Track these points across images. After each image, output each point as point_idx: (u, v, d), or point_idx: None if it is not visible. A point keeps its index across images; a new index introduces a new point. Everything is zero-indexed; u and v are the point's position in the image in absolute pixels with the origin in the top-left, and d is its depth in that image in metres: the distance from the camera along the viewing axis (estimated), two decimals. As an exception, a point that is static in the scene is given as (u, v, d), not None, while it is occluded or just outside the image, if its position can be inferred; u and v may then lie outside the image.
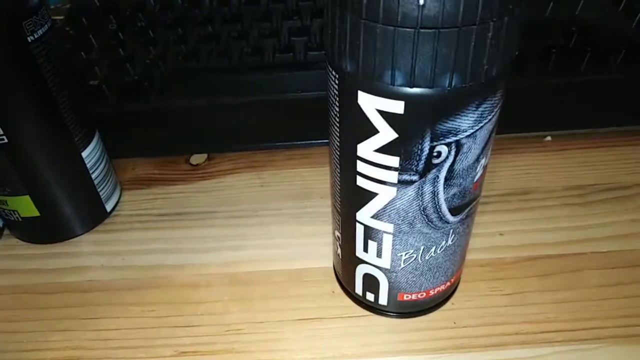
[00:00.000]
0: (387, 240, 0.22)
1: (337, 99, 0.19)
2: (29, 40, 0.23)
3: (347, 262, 0.24)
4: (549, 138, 0.36)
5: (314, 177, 0.33)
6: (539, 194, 0.32)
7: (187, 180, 0.33)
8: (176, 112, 0.35)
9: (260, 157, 0.35)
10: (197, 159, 0.35)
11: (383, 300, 0.24)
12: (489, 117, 0.18)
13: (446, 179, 0.19)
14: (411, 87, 0.17)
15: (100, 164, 0.29)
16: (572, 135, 0.36)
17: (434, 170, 0.19)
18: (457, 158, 0.19)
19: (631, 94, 0.36)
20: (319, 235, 0.29)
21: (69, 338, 0.25)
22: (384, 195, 0.20)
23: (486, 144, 0.19)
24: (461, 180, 0.20)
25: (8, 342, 0.25)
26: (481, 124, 0.18)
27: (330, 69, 0.19)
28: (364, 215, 0.21)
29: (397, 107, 0.17)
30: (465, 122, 0.18)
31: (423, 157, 0.18)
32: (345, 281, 0.26)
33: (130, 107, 0.35)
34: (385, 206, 0.20)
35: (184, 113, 0.35)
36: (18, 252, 0.30)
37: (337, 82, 0.19)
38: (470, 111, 0.18)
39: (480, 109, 0.18)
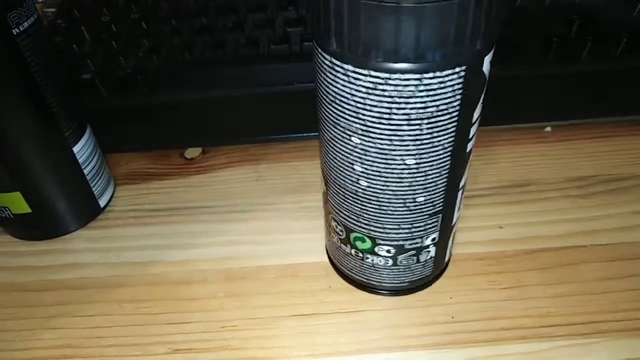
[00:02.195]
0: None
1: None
2: (14, 33, 0.23)
3: (439, 245, 0.24)
4: (548, 129, 0.35)
5: (310, 171, 0.33)
6: (539, 185, 0.31)
7: (182, 175, 0.33)
8: (170, 105, 0.35)
9: (256, 150, 0.34)
10: (192, 152, 0.34)
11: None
12: None
13: None
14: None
15: (93, 158, 0.29)
16: (573, 125, 0.35)
17: None
18: None
19: (633, 83, 0.35)
20: (315, 230, 0.29)
21: (62, 336, 0.25)
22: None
23: None
24: None
25: (0, 340, 0.25)
26: None
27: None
28: (463, 171, 0.21)
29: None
30: None
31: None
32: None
33: (123, 100, 0.35)
34: (472, 136, 0.20)
35: (178, 106, 0.35)
36: (10, 249, 0.29)
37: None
38: None
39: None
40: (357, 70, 0.17)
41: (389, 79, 0.17)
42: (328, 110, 0.20)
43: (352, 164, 0.20)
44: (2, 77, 0.23)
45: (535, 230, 0.29)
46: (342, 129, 0.19)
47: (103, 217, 0.30)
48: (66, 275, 0.28)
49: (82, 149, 0.28)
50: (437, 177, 0.20)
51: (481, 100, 0.19)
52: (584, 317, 0.24)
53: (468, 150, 0.21)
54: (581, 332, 0.24)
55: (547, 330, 0.24)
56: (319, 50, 0.18)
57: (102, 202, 0.30)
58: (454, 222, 0.24)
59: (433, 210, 0.22)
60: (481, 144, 0.34)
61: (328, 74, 0.18)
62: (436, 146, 0.19)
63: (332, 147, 0.21)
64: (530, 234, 0.28)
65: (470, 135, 0.20)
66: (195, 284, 0.27)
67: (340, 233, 0.24)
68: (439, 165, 0.20)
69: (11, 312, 0.26)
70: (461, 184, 0.22)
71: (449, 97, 0.18)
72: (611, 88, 0.35)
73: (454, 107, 0.18)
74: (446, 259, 0.25)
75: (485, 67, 0.18)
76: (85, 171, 0.28)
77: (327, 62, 0.18)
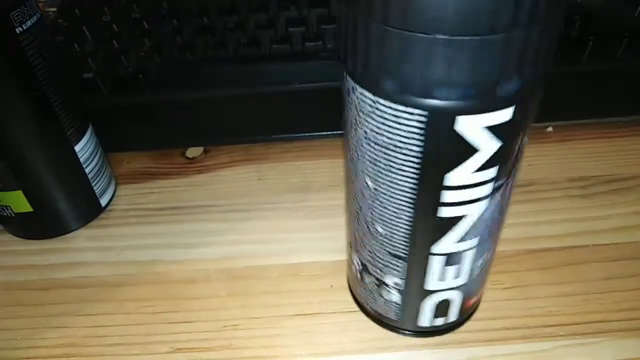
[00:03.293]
0: (469, 256, 0.20)
1: (416, 133, 0.16)
2: (18, 32, 0.23)
3: (408, 298, 0.22)
4: (550, 129, 0.35)
5: (313, 170, 0.33)
6: (540, 185, 0.31)
7: (183, 174, 0.33)
8: (172, 104, 0.35)
9: (258, 150, 0.34)
10: (193, 152, 0.34)
11: (453, 316, 0.23)
12: None
13: None
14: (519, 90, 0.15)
15: (94, 157, 0.29)
16: (575, 125, 0.35)
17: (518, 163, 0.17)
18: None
19: (635, 83, 0.35)
20: (317, 229, 0.29)
21: (64, 335, 0.25)
22: (475, 212, 0.18)
23: None
24: None
25: (1, 339, 0.25)
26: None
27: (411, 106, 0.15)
28: (446, 244, 0.19)
29: (504, 115, 0.15)
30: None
31: (515, 154, 0.17)
32: (396, 316, 0.23)
33: (125, 100, 0.35)
34: (475, 223, 0.18)
35: (179, 106, 0.35)
36: (11, 248, 0.29)
37: (422, 118, 0.15)
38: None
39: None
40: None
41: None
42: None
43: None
44: (5, 76, 0.23)
45: (537, 230, 0.29)
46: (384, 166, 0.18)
47: (104, 216, 0.30)
48: (68, 274, 0.28)
49: (83, 147, 0.28)
50: (395, 216, 0.18)
51: (473, 169, 0.16)
52: (586, 317, 0.24)
53: (443, 215, 0.18)
54: (584, 332, 0.24)
55: (549, 330, 0.24)
56: (364, 91, 0.16)
57: (103, 201, 0.30)
58: (430, 288, 0.21)
59: (392, 251, 0.20)
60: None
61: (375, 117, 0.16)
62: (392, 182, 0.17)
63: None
64: (532, 234, 0.28)
65: (445, 200, 0.17)
66: (198, 283, 0.27)
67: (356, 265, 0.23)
68: (396, 206, 0.18)
69: (12, 311, 0.26)
70: (437, 251, 0.19)
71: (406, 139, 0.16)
72: (613, 88, 0.35)
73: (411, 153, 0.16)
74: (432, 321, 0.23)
75: (463, 128, 0.15)
76: (87, 170, 0.28)
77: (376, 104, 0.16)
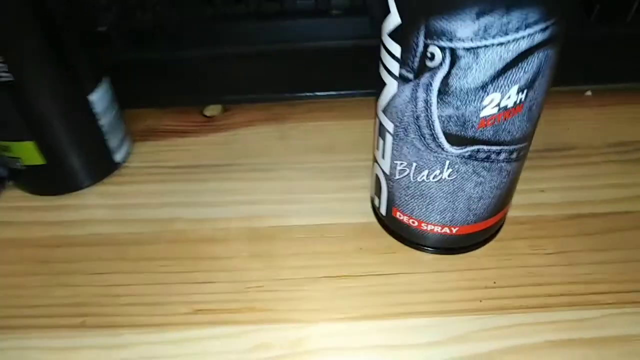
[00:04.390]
0: (389, 142, 0.21)
1: None
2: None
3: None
4: (589, 93, 0.33)
5: (338, 130, 0.31)
6: (580, 149, 0.30)
7: (202, 132, 0.31)
8: (190, 61, 0.33)
9: (279, 109, 0.32)
10: (212, 110, 0.33)
11: (383, 209, 0.24)
12: (499, 38, 0.16)
13: (440, 92, 0.18)
14: None
15: (109, 110, 0.27)
16: (614, 90, 0.33)
17: (427, 75, 0.18)
18: (453, 71, 0.17)
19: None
20: (343, 191, 0.27)
21: (75, 293, 0.23)
22: (389, 87, 0.20)
23: (498, 75, 0.17)
24: (458, 103, 0.18)
25: (12, 296, 0.23)
26: (484, 42, 0.16)
27: None
28: (379, 107, 0.21)
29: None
30: (461, 29, 0.16)
31: (418, 54, 0.17)
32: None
33: (141, 55, 0.33)
34: (389, 101, 0.20)
35: (198, 62, 0.33)
36: (21, 203, 0.28)
37: None
38: (467, 17, 0.16)
39: (482, 21, 0.16)
40: None
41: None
42: None
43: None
44: (24, 20, 0.22)
45: (579, 195, 0.27)
46: None
47: (119, 173, 0.29)
48: (79, 231, 0.26)
49: (98, 99, 0.26)
50: None
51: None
52: (634, 285, 0.23)
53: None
54: (632, 300, 0.22)
55: (595, 297, 0.22)
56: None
57: (117, 158, 0.29)
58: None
59: None
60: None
61: None
62: None
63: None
64: (573, 199, 0.27)
65: None
66: (218, 243, 0.25)
67: None
68: None
69: (21, 269, 0.25)
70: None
71: None
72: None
73: None
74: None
75: None
76: (101, 123, 0.27)
77: None
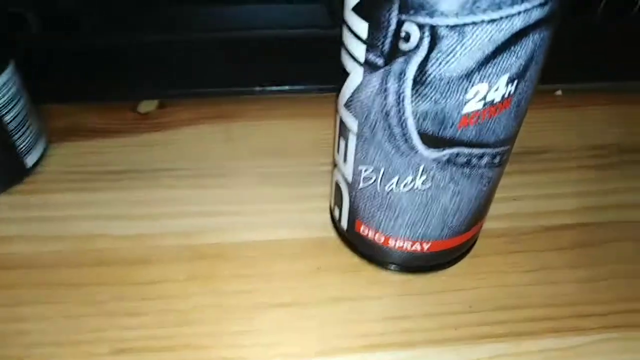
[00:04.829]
0: (352, 143, 0.18)
1: None
2: None
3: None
4: (559, 92, 0.31)
5: (292, 130, 0.27)
6: (553, 153, 0.27)
7: (134, 132, 0.27)
8: (120, 49, 0.29)
9: (225, 105, 0.29)
10: (147, 106, 0.28)
11: (344, 221, 0.21)
12: (489, 14, 0.13)
13: (416, 82, 0.15)
14: None
15: (16, 103, 0.23)
16: (585, 90, 0.31)
17: (400, 60, 0.15)
18: (433, 55, 0.14)
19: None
20: (299, 200, 0.24)
21: (-29, 331, 0.19)
22: (354, 76, 0.16)
23: (486, 61, 0.14)
24: (437, 96, 0.15)
25: None
26: (473, 18, 0.13)
27: None
28: (341, 100, 0.18)
29: None
30: (445, 2, 0.13)
31: (390, 33, 0.14)
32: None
33: (64, 42, 0.28)
34: (353, 94, 0.17)
35: (130, 51, 0.29)
36: None
37: None
38: None
39: None
40: None
41: None
42: None
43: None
44: None
45: (554, 204, 0.25)
46: None
47: (30, 180, 0.24)
48: (-19, 252, 0.22)
49: (1, 88, 0.22)
50: None
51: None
52: (617, 306, 0.21)
53: None
54: (617, 324, 0.20)
55: (579, 322, 0.20)
56: None
57: (29, 161, 0.24)
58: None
59: None
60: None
61: None
62: None
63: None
64: (549, 208, 0.24)
65: None
66: (150, 264, 0.21)
67: None
68: None
69: None
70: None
71: None
72: (630, 48, 0.31)
73: None
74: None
75: None
76: (6, 119, 0.22)
77: None
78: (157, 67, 0.28)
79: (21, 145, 0.23)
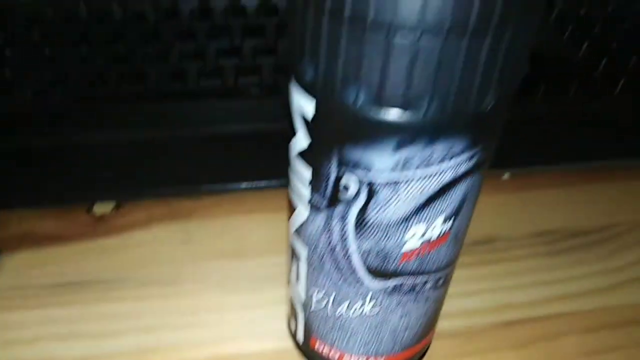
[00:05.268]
0: (303, 267, 0.19)
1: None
2: None
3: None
4: (506, 176, 0.33)
5: (251, 227, 0.28)
6: (504, 241, 0.28)
7: (89, 237, 0.27)
8: (75, 148, 0.29)
9: (182, 204, 0.29)
10: (102, 208, 0.28)
11: (300, 335, 0.21)
12: (421, 171, 0.14)
13: (358, 225, 0.15)
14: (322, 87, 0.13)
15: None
16: (531, 173, 0.33)
17: (340, 207, 0.15)
18: (370, 203, 0.15)
19: (589, 127, 0.33)
20: (257, 306, 0.24)
21: None
22: (300, 211, 0.17)
23: (421, 208, 0.15)
24: (379, 237, 0.16)
25: None
26: (406, 175, 0.14)
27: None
28: (291, 227, 0.18)
29: (309, 108, 0.14)
30: (379, 161, 0.14)
31: (330, 183, 0.15)
32: None
33: (14, 142, 0.28)
34: (301, 225, 0.17)
35: (85, 150, 0.29)
36: None
37: None
38: (385, 149, 0.13)
39: (401, 153, 0.13)
40: None
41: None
42: None
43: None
44: None
45: (506, 297, 0.25)
46: None
47: (-20, 297, 0.24)
48: None
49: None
50: None
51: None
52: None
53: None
54: None
55: None
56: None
57: (-21, 278, 0.23)
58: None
59: None
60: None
61: None
62: None
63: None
64: (501, 302, 0.25)
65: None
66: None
67: None
68: None
69: None
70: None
71: None
72: (569, 132, 0.33)
73: None
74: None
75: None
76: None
77: None
78: (114, 166, 0.28)
79: (-31, 264, 0.23)
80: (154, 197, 0.29)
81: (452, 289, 0.25)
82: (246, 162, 0.29)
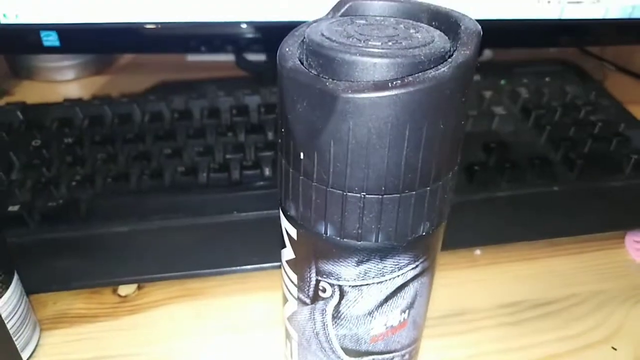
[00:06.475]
0: (295, 346, 0.23)
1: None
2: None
3: None
4: (478, 252, 0.37)
5: (253, 305, 0.32)
6: (471, 314, 0.32)
7: (114, 315, 0.31)
8: (104, 238, 0.34)
9: (194, 284, 0.33)
10: (126, 289, 0.33)
11: None
12: (377, 279, 0.19)
13: (334, 317, 0.20)
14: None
15: (18, 309, 0.27)
16: (501, 247, 0.37)
17: (320, 303, 0.20)
18: (343, 302, 0.20)
19: (550, 207, 0.38)
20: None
21: None
22: (291, 303, 0.22)
23: (381, 304, 0.20)
24: (351, 325, 0.20)
25: None
26: (366, 281, 0.19)
27: None
28: (284, 314, 0.23)
29: (293, 232, 0.19)
30: (345, 272, 0.19)
31: (312, 285, 0.20)
32: None
33: (53, 234, 0.33)
34: (292, 314, 0.22)
35: (112, 239, 0.34)
36: None
37: None
38: (349, 264, 0.18)
39: (362, 267, 0.18)
40: None
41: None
42: None
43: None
44: None
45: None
46: None
47: (24, 372, 0.28)
48: None
49: (7, 302, 0.26)
50: None
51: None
52: None
53: None
54: None
55: None
56: None
57: (25, 355, 0.28)
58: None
59: None
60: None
61: None
62: None
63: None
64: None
65: None
66: None
67: None
68: None
69: None
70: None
71: None
72: (533, 211, 0.38)
73: None
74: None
75: None
76: (9, 325, 0.26)
77: None
78: (133, 253, 0.33)
79: (20, 343, 0.27)
80: (170, 279, 0.33)
81: (426, 358, 0.29)
82: (249, 246, 0.34)
